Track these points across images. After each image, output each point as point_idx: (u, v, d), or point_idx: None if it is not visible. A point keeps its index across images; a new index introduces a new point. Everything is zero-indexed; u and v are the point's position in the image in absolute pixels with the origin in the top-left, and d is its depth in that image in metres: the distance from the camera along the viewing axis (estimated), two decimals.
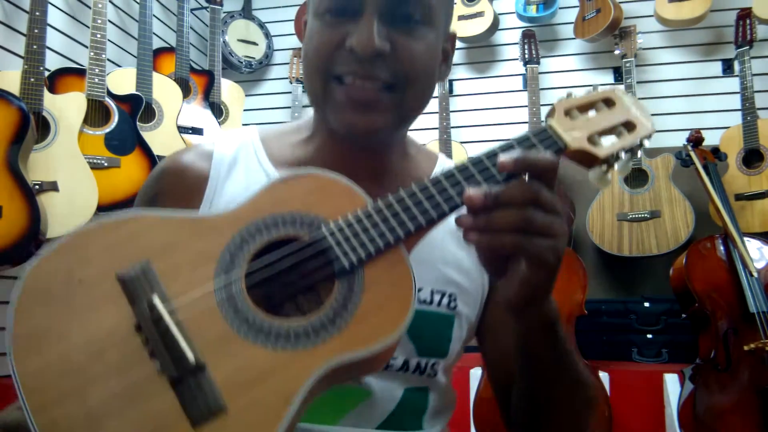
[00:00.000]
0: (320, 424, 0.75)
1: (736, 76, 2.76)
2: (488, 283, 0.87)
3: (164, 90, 2.66)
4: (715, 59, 3.08)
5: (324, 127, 0.82)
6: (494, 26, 3.25)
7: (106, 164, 2.26)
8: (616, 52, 2.99)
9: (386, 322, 0.59)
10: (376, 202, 0.64)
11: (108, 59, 2.40)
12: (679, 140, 2.67)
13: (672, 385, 2.27)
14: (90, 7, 2.38)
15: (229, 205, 0.66)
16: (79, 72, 2.33)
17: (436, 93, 0.74)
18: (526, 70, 3.13)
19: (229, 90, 3.15)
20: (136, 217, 0.63)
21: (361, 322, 0.59)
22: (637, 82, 2.95)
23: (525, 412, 0.80)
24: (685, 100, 3.08)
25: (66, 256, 0.60)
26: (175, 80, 2.78)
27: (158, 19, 3.11)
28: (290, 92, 3.40)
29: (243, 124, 3.20)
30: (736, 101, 2.75)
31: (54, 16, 2.48)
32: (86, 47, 2.36)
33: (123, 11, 2.92)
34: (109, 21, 2.60)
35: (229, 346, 0.57)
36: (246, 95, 3.32)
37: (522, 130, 3.15)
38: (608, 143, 0.68)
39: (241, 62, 3.46)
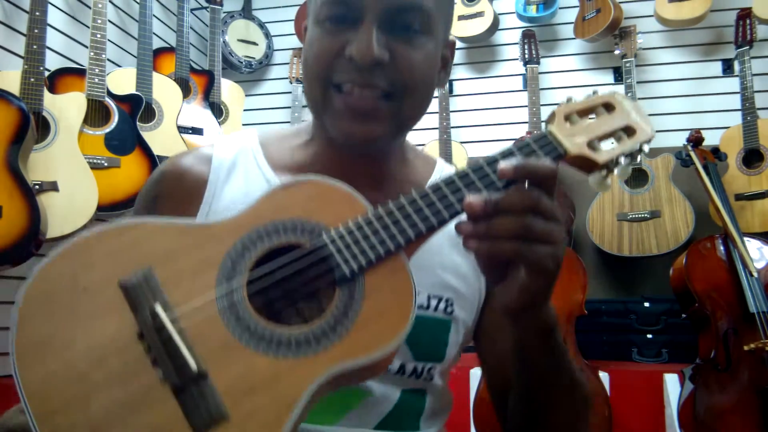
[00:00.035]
0: (318, 425, 0.75)
1: (736, 76, 2.76)
2: (485, 287, 0.87)
3: (164, 90, 2.66)
4: (715, 59, 3.08)
5: (323, 132, 0.83)
6: (494, 26, 3.25)
7: (106, 164, 2.27)
8: (616, 52, 2.99)
9: (386, 329, 0.59)
10: (376, 209, 0.64)
11: (108, 59, 2.40)
12: (679, 140, 2.67)
13: (672, 385, 2.27)
14: (90, 7, 2.38)
15: (228, 209, 0.66)
16: (79, 72, 2.34)
17: (435, 93, 0.75)
18: (526, 70, 3.13)
19: (229, 90, 3.16)
20: (138, 223, 0.63)
21: (362, 329, 0.59)
22: (637, 82, 2.96)
23: (522, 416, 0.80)
24: (685, 100, 3.08)
25: (70, 262, 0.60)
26: (175, 80, 2.78)
27: (158, 19, 3.10)
28: (290, 92, 3.40)
29: (243, 124, 3.20)
30: (736, 101, 2.75)
31: (54, 16, 2.47)
32: (86, 47, 2.36)
33: (123, 11, 2.92)
34: (109, 21, 2.60)
35: (231, 354, 0.57)
36: (246, 95, 3.33)
37: (522, 130, 3.17)
38: (608, 148, 0.68)
39: (241, 62, 3.47)
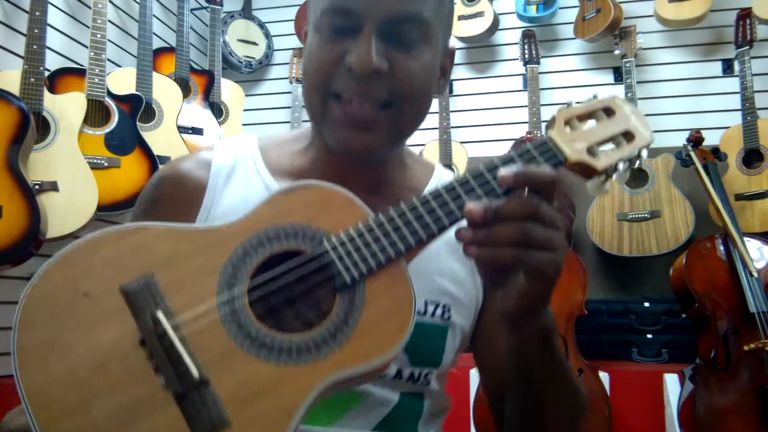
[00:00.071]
0: (317, 426, 0.76)
1: (736, 76, 2.76)
2: (482, 293, 0.87)
3: (164, 90, 2.66)
4: (715, 59, 3.08)
5: (322, 139, 0.83)
6: (494, 26, 3.25)
7: (106, 164, 2.27)
8: (616, 52, 2.99)
9: (386, 337, 0.60)
10: (377, 216, 0.64)
11: (108, 59, 2.40)
12: (679, 140, 2.68)
13: (672, 385, 2.28)
14: (90, 7, 2.38)
15: (226, 214, 0.66)
16: (79, 72, 2.34)
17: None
18: (526, 70, 3.13)
19: (229, 90, 3.15)
20: (139, 228, 0.63)
21: (362, 336, 0.59)
22: (637, 82, 2.95)
23: (518, 421, 0.81)
24: (685, 100, 3.08)
25: (72, 267, 0.60)
26: (175, 80, 2.78)
27: (158, 19, 3.10)
28: (290, 92, 3.40)
29: (243, 124, 3.20)
30: (736, 101, 2.75)
31: (54, 16, 2.47)
32: (86, 47, 2.36)
33: (123, 11, 2.92)
34: (109, 21, 2.60)
35: (233, 360, 0.58)
36: (246, 95, 3.32)
37: (522, 130, 3.15)
38: (607, 154, 0.68)
39: (241, 62, 3.46)
